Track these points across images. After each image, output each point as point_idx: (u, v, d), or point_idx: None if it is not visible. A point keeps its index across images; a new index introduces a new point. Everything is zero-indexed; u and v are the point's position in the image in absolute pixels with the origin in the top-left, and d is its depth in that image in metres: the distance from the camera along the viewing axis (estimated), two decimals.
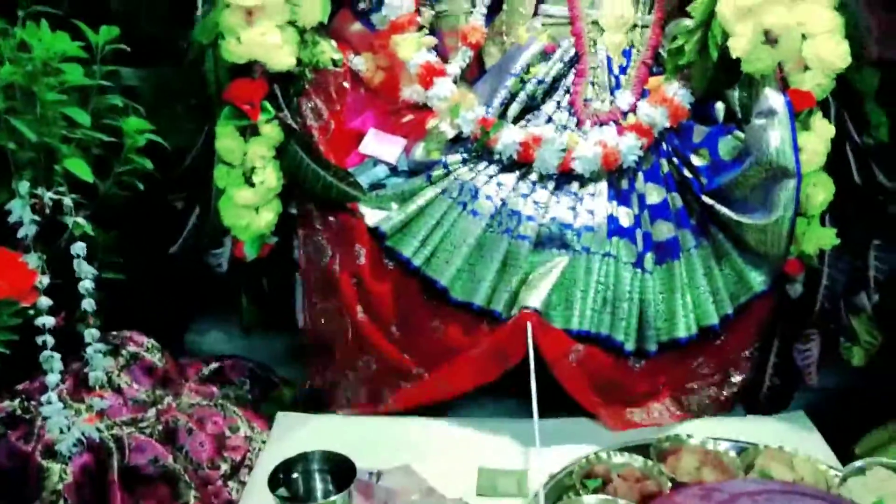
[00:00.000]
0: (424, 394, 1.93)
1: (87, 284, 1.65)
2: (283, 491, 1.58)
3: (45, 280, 1.62)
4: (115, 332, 1.89)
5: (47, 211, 1.62)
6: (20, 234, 1.59)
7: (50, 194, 1.61)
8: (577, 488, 1.60)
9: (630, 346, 1.91)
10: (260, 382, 2.05)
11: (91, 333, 1.71)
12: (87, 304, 1.66)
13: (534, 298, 1.85)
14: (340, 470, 1.60)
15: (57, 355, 1.64)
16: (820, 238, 1.85)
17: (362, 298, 1.99)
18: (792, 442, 1.72)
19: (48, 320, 1.61)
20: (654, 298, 1.91)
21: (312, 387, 2.02)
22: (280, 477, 1.61)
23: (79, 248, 1.64)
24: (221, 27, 1.83)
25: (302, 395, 2.02)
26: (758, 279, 1.90)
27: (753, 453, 1.68)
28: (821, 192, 1.82)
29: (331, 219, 2.00)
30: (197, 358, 2.05)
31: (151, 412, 1.77)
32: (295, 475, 1.63)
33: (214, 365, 2.01)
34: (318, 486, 1.64)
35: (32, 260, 1.60)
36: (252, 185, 1.90)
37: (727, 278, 1.92)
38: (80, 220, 1.63)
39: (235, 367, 2.04)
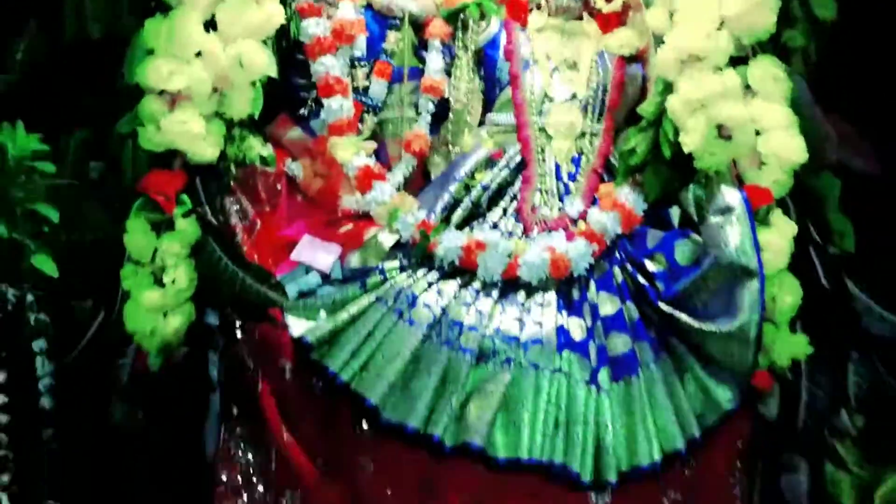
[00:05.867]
0: None
1: (46, 382, 1.62)
2: None
3: (2, 377, 1.60)
4: None
5: (9, 307, 1.60)
6: None
7: (13, 291, 1.61)
8: None
9: (587, 476, 1.71)
10: None
11: (48, 433, 1.67)
12: (46, 402, 1.64)
13: (475, 433, 1.68)
14: None
15: (11, 454, 1.62)
16: (792, 347, 1.71)
17: (288, 420, 1.78)
18: None
19: (2, 418, 1.60)
20: (613, 421, 1.74)
21: None
22: None
23: (39, 344, 1.62)
24: (141, 114, 1.73)
25: None
26: (725, 396, 1.74)
27: None
28: (788, 295, 1.70)
29: (253, 329, 1.81)
30: None
31: None
32: None
33: None
34: None
35: None
36: (162, 285, 1.71)
37: (691, 396, 1.76)
38: (43, 316, 1.63)
39: None
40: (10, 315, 1.62)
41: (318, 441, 1.78)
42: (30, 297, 1.63)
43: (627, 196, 1.90)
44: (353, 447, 1.76)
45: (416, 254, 1.90)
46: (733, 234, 1.67)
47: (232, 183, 1.85)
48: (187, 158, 1.76)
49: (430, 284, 1.86)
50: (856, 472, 1.72)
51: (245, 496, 1.79)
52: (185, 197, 1.75)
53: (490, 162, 2.02)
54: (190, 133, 1.72)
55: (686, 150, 1.74)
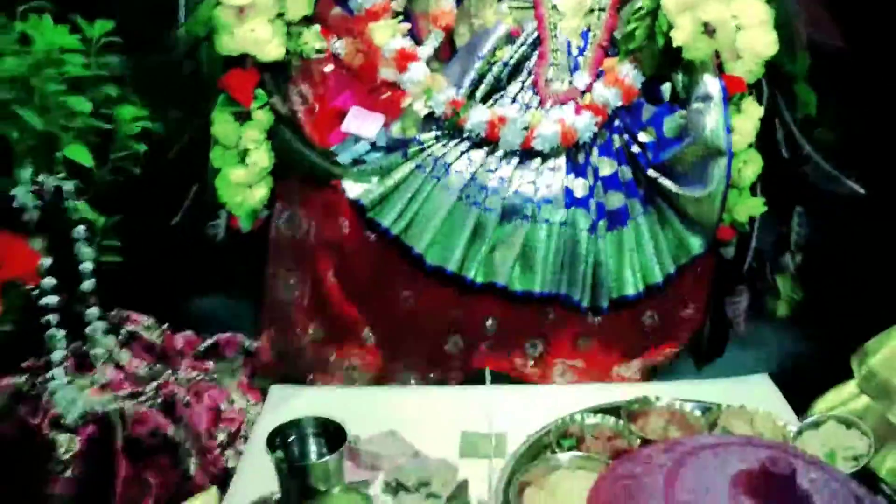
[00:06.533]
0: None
1: (87, 266, 1.76)
2: (279, 453, 1.64)
3: (48, 262, 1.69)
4: (114, 312, 1.99)
5: (48, 196, 1.70)
6: (24, 218, 1.71)
7: (51, 180, 1.70)
8: (553, 447, 1.68)
9: (585, 302, 2.17)
10: (252, 358, 2.16)
11: (91, 313, 1.81)
12: (88, 285, 1.75)
13: (499, 275, 2.11)
14: (333, 434, 1.67)
15: (62, 332, 1.71)
16: (750, 207, 2.09)
17: (337, 267, 2.19)
18: (755, 403, 1.76)
19: (53, 299, 1.68)
20: (607, 260, 2.15)
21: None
22: (276, 441, 1.66)
23: (79, 231, 1.75)
24: (215, 23, 2.01)
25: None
26: (696, 243, 2.14)
27: (717, 412, 1.73)
28: (750, 167, 2.06)
29: (313, 194, 2.20)
30: (193, 335, 2.14)
31: (151, 386, 1.83)
32: (290, 440, 1.68)
33: (210, 341, 2.11)
34: (313, 448, 1.70)
35: (36, 243, 1.70)
36: (245, 164, 2.10)
37: (669, 242, 2.16)
38: (80, 204, 1.73)
39: (229, 343, 2.13)
40: (49, 204, 1.67)
41: (368, 280, 2.20)
42: (68, 186, 1.67)
43: (628, 73, 2.17)
44: (401, 283, 2.18)
45: (448, 126, 2.23)
46: (710, 119, 1.99)
47: (293, 74, 2.17)
48: (257, 59, 2.06)
49: (461, 153, 2.20)
50: (789, 295, 2.19)
51: (279, 325, 2.19)
52: (259, 91, 2.06)
53: (509, 39, 2.28)
54: (259, 39, 2.01)
55: (675, 44, 2.00)
